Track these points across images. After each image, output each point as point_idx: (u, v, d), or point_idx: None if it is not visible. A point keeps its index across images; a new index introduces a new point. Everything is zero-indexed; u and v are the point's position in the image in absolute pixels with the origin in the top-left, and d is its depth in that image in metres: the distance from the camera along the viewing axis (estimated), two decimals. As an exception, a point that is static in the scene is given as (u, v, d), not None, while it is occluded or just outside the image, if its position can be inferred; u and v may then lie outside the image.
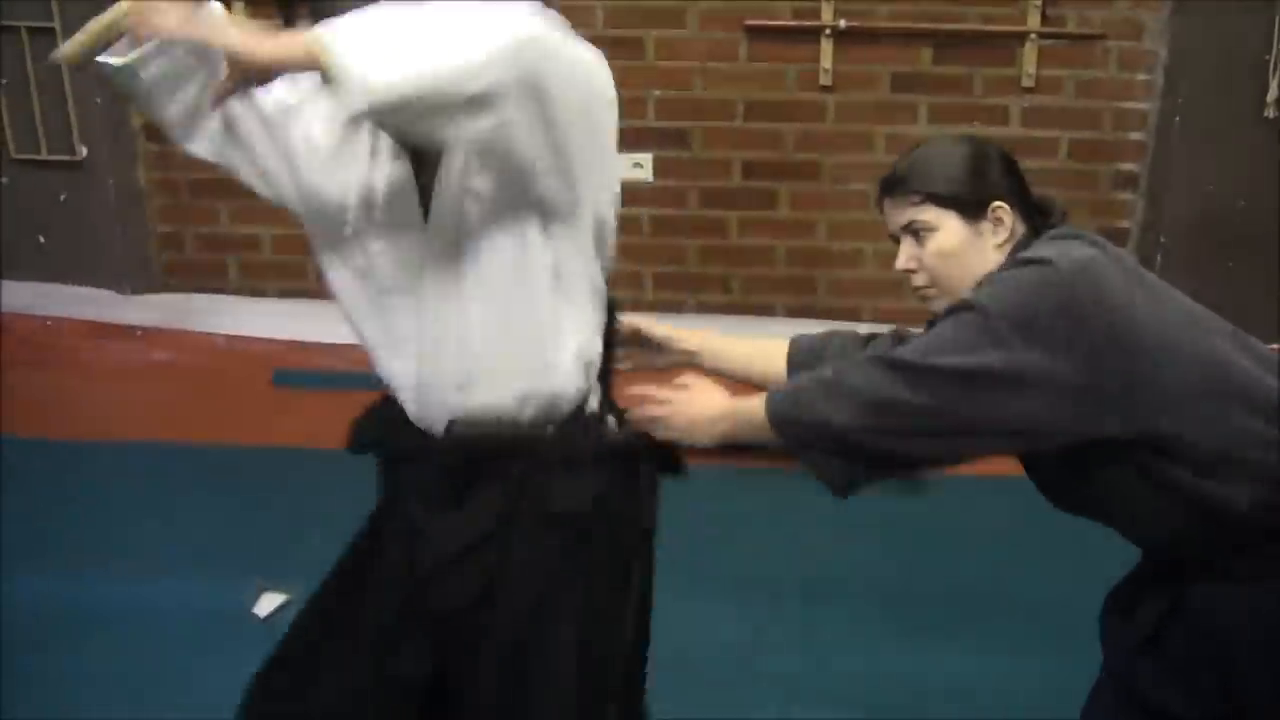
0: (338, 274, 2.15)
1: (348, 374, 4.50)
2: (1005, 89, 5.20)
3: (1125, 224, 5.35)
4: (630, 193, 5.41)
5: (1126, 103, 5.20)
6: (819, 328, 5.26)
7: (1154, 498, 2.05)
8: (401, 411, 2.15)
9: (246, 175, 2.19)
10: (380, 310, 2.14)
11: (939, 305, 2.17)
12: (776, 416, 2.12)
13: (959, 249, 2.16)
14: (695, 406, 2.24)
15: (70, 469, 4.40)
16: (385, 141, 2.07)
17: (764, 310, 5.59)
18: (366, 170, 2.09)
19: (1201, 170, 5.01)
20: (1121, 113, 5.21)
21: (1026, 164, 5.24)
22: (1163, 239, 5.12)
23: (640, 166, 5.41)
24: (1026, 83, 5.16)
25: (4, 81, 5.48)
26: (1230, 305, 5.03)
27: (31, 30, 5.39)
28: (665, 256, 5.54)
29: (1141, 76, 5.15)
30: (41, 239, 5.72)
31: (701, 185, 5.45)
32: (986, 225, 2.16)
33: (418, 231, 2.07)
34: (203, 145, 2.17)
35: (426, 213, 2.06)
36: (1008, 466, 2.19)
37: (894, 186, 2.22)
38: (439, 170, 2.03)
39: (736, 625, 3.62)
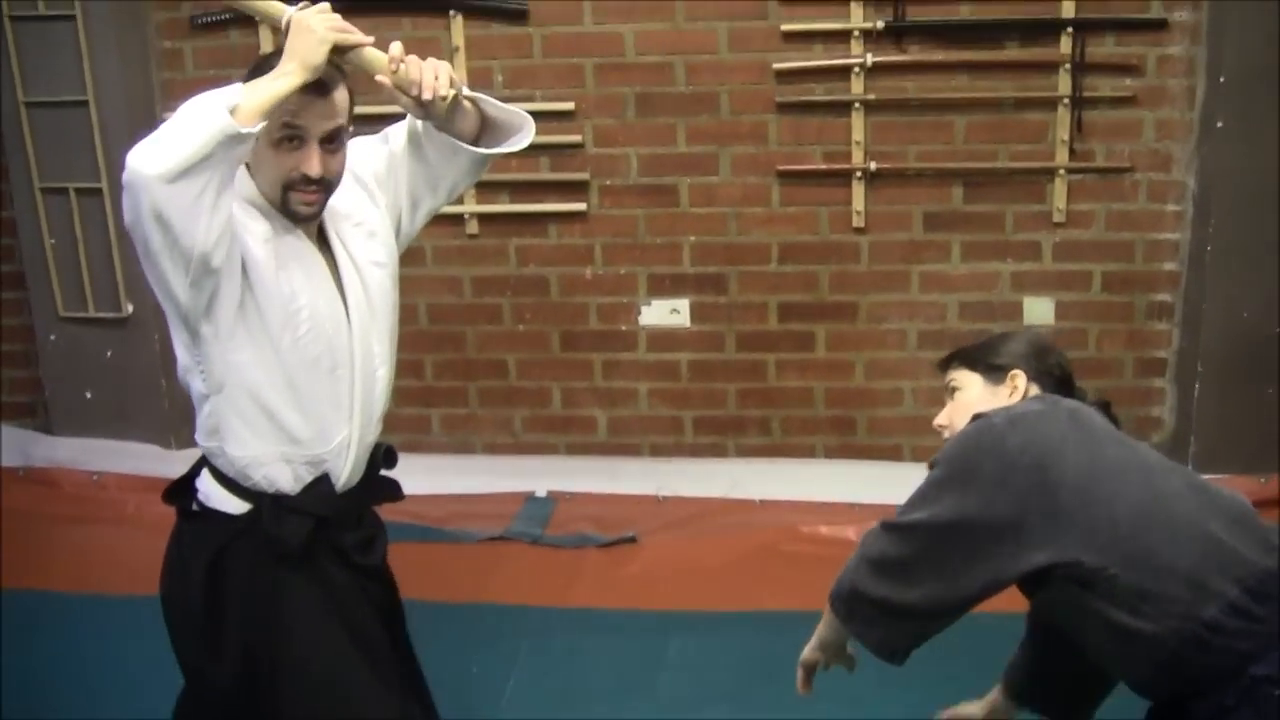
0: (292, 367, 2.58)
1: (395, 525, 4.54)
2: (1037, 224, 5.24)
3: (1162, 354, 5.35)
4: (668, 338, 5.53)
5: (1158, 234, 5.23)
6: (860, 468, 5.33)
7: (1110, 642, 2.28)
8: (329, 487, 2.68)
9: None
10: (334, 384, 2.64)
11: None
12: (830, 598, 2.46)
13: (973, 405, 2.55)
14: None
15: (116, 624, 4.42)
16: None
17: (805, 452, 5.59)
18: (308, 270, 2.60)
19: (1236, 298, 5.01)
20: (1154, 244, 5.24)
21: (1060, 297, 5.28)
22: (1200, 368, 5.11)
23: (677, 312, 5.46)
24: (1058, 217, 5.19)
25: (53, 241, 5.60)
26: (1269, 431, 5.05)
27: (79, 191, 5.51)
28: (705, 401, 5.57)
29: (1172, 207, 5.18)
30: (88, 394, 5.80)
31: (739, 329, 5.49)
32: (1004, 389, 2.57)
33: (340, 314, 2.64)
34: (219, 252, 2.40)
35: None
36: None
37: (948, 359, 2.71)
38: (338, 255, 2.66)
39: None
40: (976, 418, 2.40)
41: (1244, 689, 2.16)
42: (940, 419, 2.66)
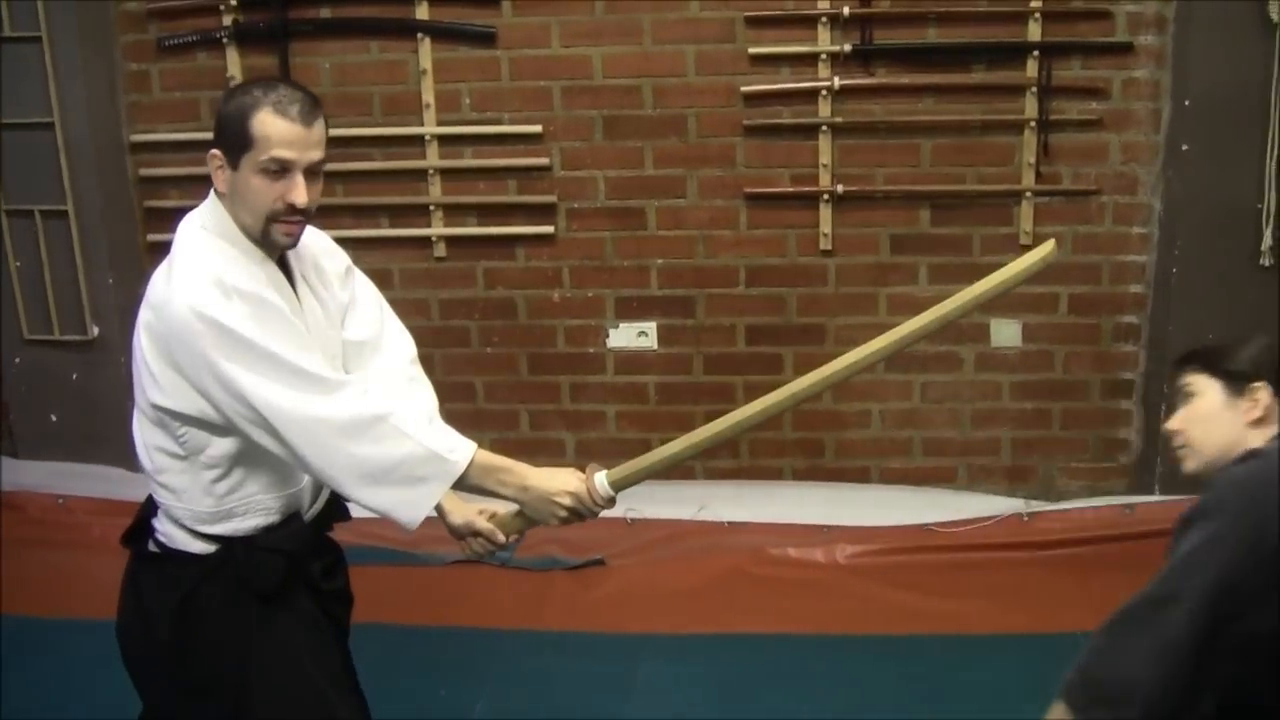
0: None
1: (363, 548, 4.52)
2: (1004, 246, 5.25)
3: (1129, 375, 5.37)
4: (636, 361, 5.52)
5: (1124, 256, 5.25)
6: (828, 490, 5.31)
7: None
8: (300, 523, 2.71)
9: None
10: None
11: (1189, 465, 2.46)
12: (1066, 687, 2.26)
13: (1210, 415, 2.44)
14: None
15: (81, 648, 4.38)
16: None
17: (773, 474, 5.60)
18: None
19: (1201, 320, 5.02)
20: (1120, 266, 5.26)
21: (1027, 319, 5.28)
22: (1166, 390, 5.12)
23: (645, 335, 5.47)
24: (1025, 240, 5.20)
25: (18, 264, 5.57)
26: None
27: (44, 213, 5.48)
28: (672, 423, 5.53)
29: (1137, 229, 5.21)
30: (54, 418, 5.76)
31: (706, 351, 5.49)
32: (1244, 402, 2.41)
33: None
34: None
35: None
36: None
37: (1183, 359, 2.56)
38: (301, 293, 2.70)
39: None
40: (1250, 455, 2.27)
41: None
42: (1173, 424, 2.51)
